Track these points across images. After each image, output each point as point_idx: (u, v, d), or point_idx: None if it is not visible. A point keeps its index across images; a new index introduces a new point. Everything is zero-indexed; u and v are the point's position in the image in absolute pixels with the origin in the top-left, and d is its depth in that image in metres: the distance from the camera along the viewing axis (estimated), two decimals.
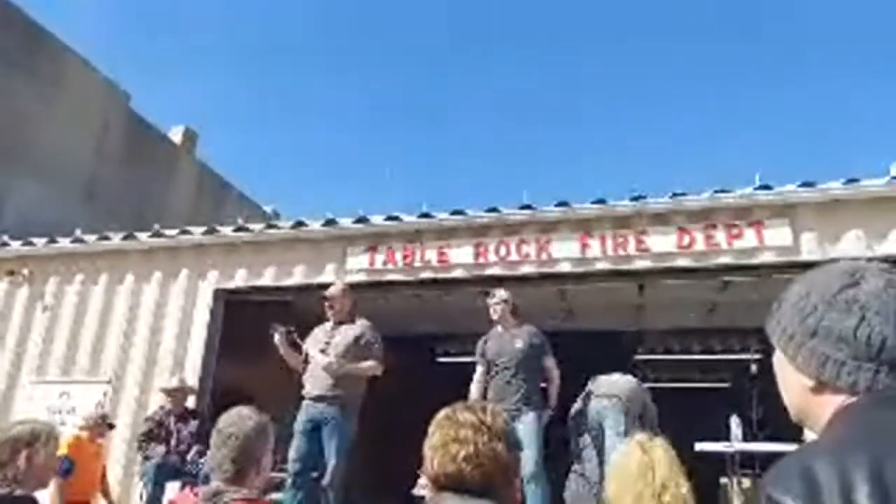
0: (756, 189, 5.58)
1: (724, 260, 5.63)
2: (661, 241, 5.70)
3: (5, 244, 7.55)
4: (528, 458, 4.27)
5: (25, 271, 7.39)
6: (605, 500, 1.62)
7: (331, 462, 4.45)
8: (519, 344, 4.80)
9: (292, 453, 4.55)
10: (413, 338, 10.11)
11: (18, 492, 2.12)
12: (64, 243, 7.35)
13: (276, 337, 4.81)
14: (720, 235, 5.59)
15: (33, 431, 2.31)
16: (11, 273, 7.40)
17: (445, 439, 1.28)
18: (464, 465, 1.25)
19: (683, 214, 5.70)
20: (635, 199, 5.72)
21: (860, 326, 0.76)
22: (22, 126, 9.97)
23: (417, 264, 6.37)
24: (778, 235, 5.52)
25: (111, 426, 5.71)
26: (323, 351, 4.71)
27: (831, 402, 0.78)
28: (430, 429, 1.35)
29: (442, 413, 1.36)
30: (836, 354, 0.78)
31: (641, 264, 5.77)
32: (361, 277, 6.47)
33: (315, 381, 4.64)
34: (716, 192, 5.62)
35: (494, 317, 4.99)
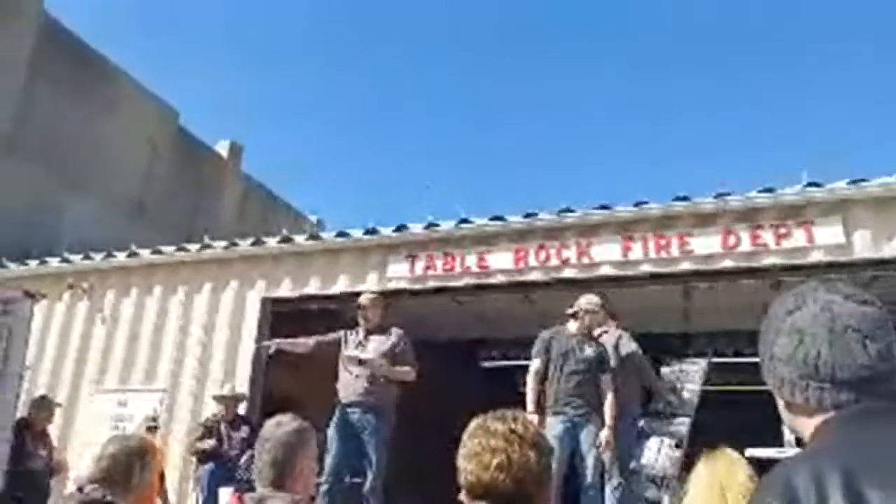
0: (805, 187, 5.43)
1: (773, 260, 5.49)
2: (706, 243, 5.59)
3: (66, 260, 7.94)
4: (589, 468, 4.29)
5: (85, 285, 7.74)
6: None
7: (371, 467, 4.50)
8: (590, 352, 4.77)
9: (328, 460, 4.61)
10: (455, 344, 10.15)
11: (111, 497, 2.17)
12: (120, 257, 7.67)
13: (273, 349, 4.97)
14: (767, 235, 5.45)
15: (144, 443, 2.40)
16: (72, 287, 7.76)
17: (478, 449, 1.31)
18: (497, 473, 1.27)
19: (728, 215, 5.58)
20: (678, 199, 5.63)
21: (798, 348, 0.86)
22: (77, 148, 10.47)
23: (458, 271, 6.41)
24: (829, 234, 5.35)
25: (150, 429, 5.94)
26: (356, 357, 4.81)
27: (804, 418, 0.88)
28: (463, 438, 1.38)
29: (473, 423, 1.39)
30: (789, 376, 0.87)
31: (686, 266, 5.68)
32: (403, 285, 6.55)
33: (350, 387, 4.72)
34: (761, 190, 5.48)
35: (585, 321, 4.85)
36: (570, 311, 4.91)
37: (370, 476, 4.50)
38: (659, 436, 4.87)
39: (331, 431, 4.69)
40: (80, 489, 2.26)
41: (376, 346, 4.81)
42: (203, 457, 5.68)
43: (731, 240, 5.52)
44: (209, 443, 5.61)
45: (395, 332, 4.92)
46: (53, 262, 7.96)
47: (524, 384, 5.28)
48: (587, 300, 4.90)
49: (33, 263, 8.00)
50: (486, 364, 11.22)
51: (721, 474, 1.70)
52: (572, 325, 4.86)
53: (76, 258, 7.90)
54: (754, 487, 1.65)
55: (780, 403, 0.92)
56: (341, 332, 5.05)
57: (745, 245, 5.47)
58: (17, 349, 5.00)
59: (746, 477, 1.75)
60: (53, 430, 6.47)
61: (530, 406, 4.48)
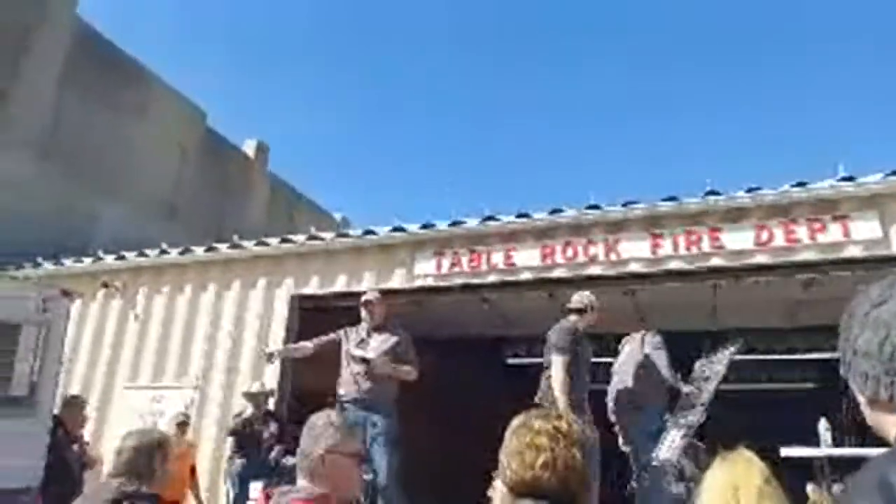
0: (839, 180, 5.30)
1: (807, 256, 5.38)
2: (737, 238, 5.50)
3: (99, 259, 8.11)
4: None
5: (118, 283, 7.91)
6: None
7: (383, 463, 4.49)
8: (590, 350, 4.81)
9: None
10: (481, 340, 10.14)
11: (146, 489, 2.25)
12: (152, 256, 7.82)
13: (275, 355, 5.13)
14: (801, 230, 5.33)
15: (163, 436, 2.48)
16: (106, 285, 7.93)
17: (521, 447, 1.30)
18: (541, 472, 1.26)
19: (761, 209, 5.48)
20: (708, 194, 5.54)
21: (885, 343, 0.83)
22: (108, 152, 10.69)
23: (484, 268, 6.40)
24: (865, 228, 5.23)
25: (181, 424, 6.02)
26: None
27: (888, 416, 0.85)
28: (506, 436, 1.37)
29: (517, 420, 1.39)
30: (873, 371, 0.85)
31: (716, 262, 5.59)
32: (429, 282, 6.56)
33: (352, 385, 4.74)
34: (795, 185, 5.37)
35: (593, 317, 4.83)
36: (575, 305, 4.78)
37: (380, 475, 4.49)
38: (675, 428, 4.84)
39: None
40: (109, 481, 2.32)
41: (379, 343, 4.81)
42: (236, 443, 5.79)
43: (764, 235, 5.42)
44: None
45: (398, 330, 4.95)
46: (87, 262, 8.14)
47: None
48: (588, 296, 4.81)
49: (68, 262, 8.19)
50: (511, 361, 11.20)
51: (736, 475, 1.65)
52: (578, 322, 4.71)
53: (109, 257, 8.07)
54: (771, 490, 1.60)
55: (862, 401, 0.89)
56: (340, 332, 5.09)
57: (780, 240, 5.37)
58: (54, 347, 5.12)
59: (762, 479, 1.69)
60: (87, 425, 6.62)
61: (565, 400, 4.34)
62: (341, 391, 4.84)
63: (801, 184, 5.36)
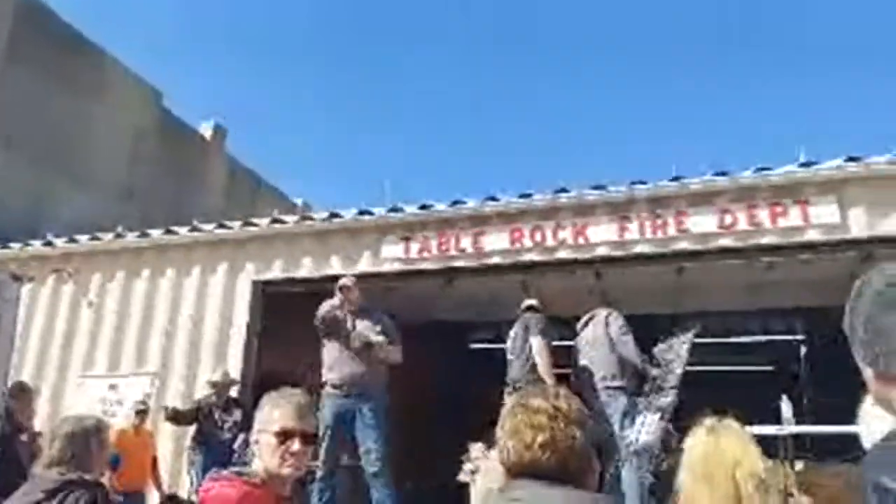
0: (800, 165, 5.42)
1: (769, 240, 5.49)
2: (702, 222, 5.58)
3: (49, 243, 7.76)
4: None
5: (70, 269, 7.58)
6: (679, 489, 1.57)
7: (374, 449, 4.43)
8: None
9: (323, 444, 4.47)
10: (446, 325, 10.12)
11: (88, 476, 2.18)
12: (106, 240, 7.52)
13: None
14: (763, 214, 5.44)
15: (99, 422, 2.39)
16: (57, 271, 7.60)
17: (519, 426, 1.26)
18: (539, 452, 1.22)
19: (725, 194, 5.57)
20: (675, 179, 5.60)
21: None
22: (61, 133, 10.22)
23: (452, 252, 6.35)
24: (825, 213, 5.36)
25: (140, 412, 5.87)
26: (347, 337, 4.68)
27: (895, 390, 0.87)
28: (502, 416, 1.33)
29: (512, 399, 1.34)
30: (884, 347, 0.87)
31: (682, 246, 5.66)
32: (397, 266, 6.49)
33: (344, 370, 4.60)
34: (758, 169, 5.47)
35: None
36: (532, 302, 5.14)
37: (372, 460, 4.42)
38: (648, 412, 4.92)
39: (324, 415, 4.54)
40: (48, 471, 2.23)
41: (363, 328, 4.70)
42: (179, 420, 5.78)
43: (728, 219, 5.51)
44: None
45: (378, 313, 4.85)
46: (37, 245, 7.78)
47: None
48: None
49: (16, 246, 7.82)
50: (477, 346, 11.22)
51: (730, 449, 1.60)
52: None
53: (60, 241, 7.73)
54: (769, 468, 1.60)
55: (869, 374, 0.91)
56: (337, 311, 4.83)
57: (743, 224, 5.46)
58: (4, 334, 4.87)
59: (758, 455, 1.65)
60: (40, 415, 6.35)
61: (552, 382, 4.50)
62: (332, 375, 4.66)
63: (765, 168, 5.46)
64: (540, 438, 1.22)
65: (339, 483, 4.59)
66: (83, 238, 7.62)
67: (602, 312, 5.48)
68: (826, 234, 5.35)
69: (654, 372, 5.22)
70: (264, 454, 1.73)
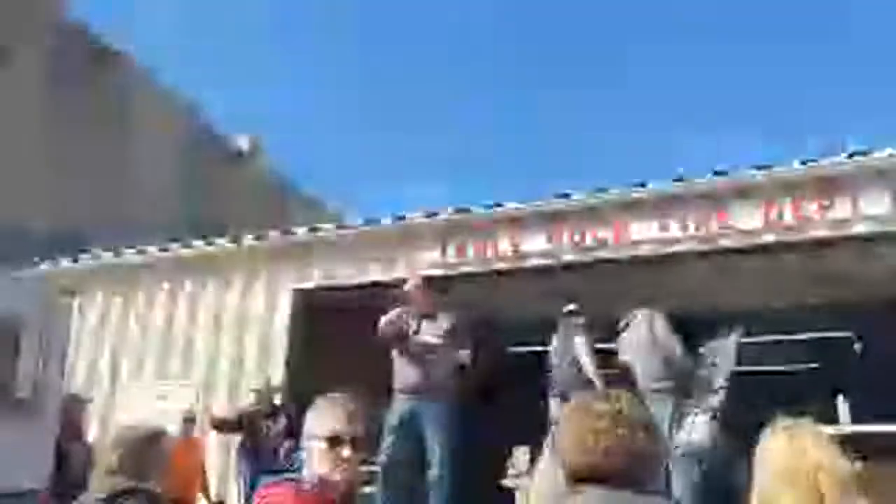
0: (848, 156, 5.25)
1: (817, 234, 5.33)
2: (747, 217, 5.44)
3: (97, 257, 7.99)
4: None
5: (116, 282, 7.79)
6: (759, 492, 1.51)
7: (436, 455, 4.34)
8: None
9: (386, 450, 4.44)
10: (485, 328, 10.07)
11: (144, 485, 2.21)
12: (150, 252, 7.71)
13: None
14: (811, 208, 5.28)
15: (155, 431, 2.43)
16: (105, 285, 7.81)
17: (581, 431, 1.22)
18: (602, 456, 1.19)
19: (770, 187, 5.42)
20: (717, 174, 5.48)
21: None
22: (102, 150, 10.54)
23: (489, 255, 6.33)
24: (874, 204, 5.17)
25: (187, 421, 5.97)
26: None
27: None
28: (561, 421, 1.30)
29: (573, 403, 1.31)
30: None
31: (726, 242, 5.53)
32: (434, 271, 6.48)
33: (409, 374, 4.53)
34: (804, 161, 5.32)
35: None
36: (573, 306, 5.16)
37: (435, 466, 4.36)
38: (697, 413, 4.80)
39: (390, 420, 4.49)
40: (106, 479, 2.27)
41: (432, 331, 4.58)
42: (224, 429, 5.84)
43: (774, 213, 5.36)
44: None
45: (448, 315, 4.69)
46: (85, 260, 8.02)
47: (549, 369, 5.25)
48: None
49: (66, 262, 8.07)
50: (517, 349, 11.13)
51: (811, 450, 1.53)
52: None
53: (107, 256, 7.95)
54: (856, 476, 1.52)
55: None
56: (403, 317, 4.69)
57: (789, 218, 5.31)
58: (57, 347, 5.02)
59: (839, 456, 1.57)
60: (93, 424, 6.54)
61: (601, 381, 4.45)
62: (396, 380, 4.59)
63: (811, 160, 5.30)
64: (603, 443, 1.19)
65: (402, 486, 4.52)
66: (128, 252, 7.82)
67: (644, 313, 5.37)
68: (876, 226, 5.17)
69: (702, 373, 5.10)
70: (315, 460, 1.71)
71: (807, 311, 8.82)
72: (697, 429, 4.55)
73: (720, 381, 4.88)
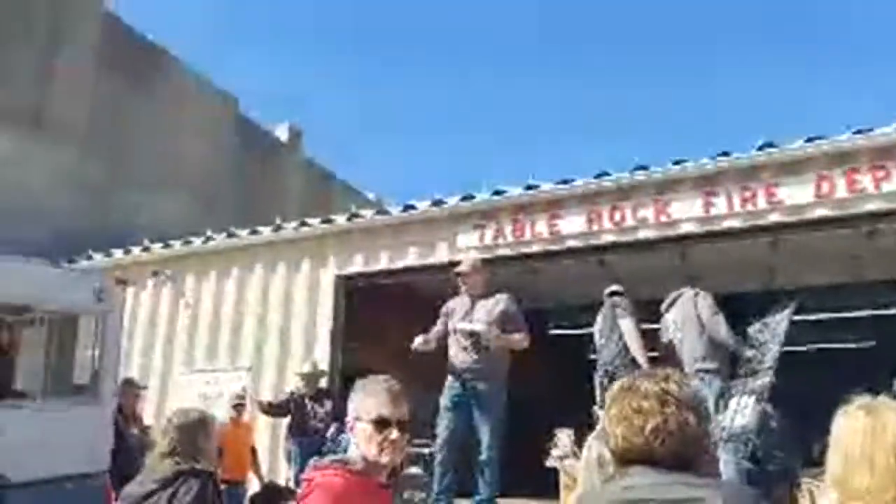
0: None
1: (872, 206, 5.10)
2: (796, 192, 5.24)
3: (147, 249, 8.26)
4: None
5: (168, 271, 8.05)
6: (832, 473, 1.46)
7: (485, 438, 4.36)
8: None
9: (440, 430, 4.47)
10: (525, 311, 10.02)
11: (199, 466, 2.31)
12: (197, 243, 7.93)
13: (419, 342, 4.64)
14: (866, 180, 5.05)
15: (204, 415, 2.52)
16: (155, 274, 8.08)
17: (627, 411, 1.20)
18: (651, 437, 1.17)
19: (821, 160, 5.21)
20: (763, 147, 5.29)
21: None
22: (144, 141, 10.84)
23: (527, 237, 6.28)
24: None
25: (237, 406, 6.14)
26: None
27: None
28: (607, 402, 1.28)
29: (620, 384, 1.28)
30: None
31: (774, 218, 5.35)
32: (473, 255, 6.47)
33: (461, 359, 4.52)
34: (857, 131, 5.08)
35: None
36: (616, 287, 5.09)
37: (484, 447, 4.38)
38: (743, 394, 4.67)
39: (443, 402, 4.53)
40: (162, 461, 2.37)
41: (484, 313, 4.52)
42: (273, 412, 6.03)
43: (825, 186, 5.15)
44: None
45: (502, 297, 4.62)
46: (136, 251, 8.30)
47: (594, 351, 5.20)
48: None
49: (118, 253, 8.37)
50: (556, 332, 11.06)
51: (892, 430, 1.44)
52: None
53: (156, 247, 8.21)
54: None
55: None
56: (443, 309, 4.77)
57: (841, 191, 5.10)
58: (112, 335, 5.24)
59: None
60: (148, 409, 6.81)
61: (646, 360, 4.53)
62: (449, 364, 4.60)
63: (862, 130, 5.07)
64: (651, 424, 1.17)
65: (456, 468, 4.54)
66: (177, 243, 8.06)
67: (689, 292, 5.24)
68: None
69: (749, 353, 4.96)
70: (362, 442, 1.74)
71: (864, 288, 8.50)
72: (744, 412, 4.44)
73: (768, 361, 4.74)
